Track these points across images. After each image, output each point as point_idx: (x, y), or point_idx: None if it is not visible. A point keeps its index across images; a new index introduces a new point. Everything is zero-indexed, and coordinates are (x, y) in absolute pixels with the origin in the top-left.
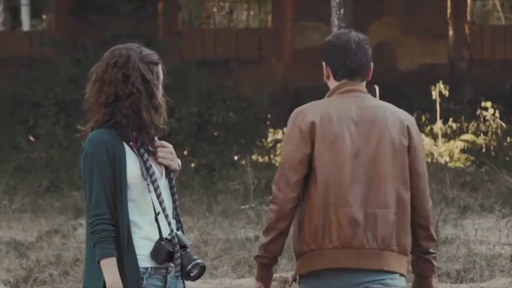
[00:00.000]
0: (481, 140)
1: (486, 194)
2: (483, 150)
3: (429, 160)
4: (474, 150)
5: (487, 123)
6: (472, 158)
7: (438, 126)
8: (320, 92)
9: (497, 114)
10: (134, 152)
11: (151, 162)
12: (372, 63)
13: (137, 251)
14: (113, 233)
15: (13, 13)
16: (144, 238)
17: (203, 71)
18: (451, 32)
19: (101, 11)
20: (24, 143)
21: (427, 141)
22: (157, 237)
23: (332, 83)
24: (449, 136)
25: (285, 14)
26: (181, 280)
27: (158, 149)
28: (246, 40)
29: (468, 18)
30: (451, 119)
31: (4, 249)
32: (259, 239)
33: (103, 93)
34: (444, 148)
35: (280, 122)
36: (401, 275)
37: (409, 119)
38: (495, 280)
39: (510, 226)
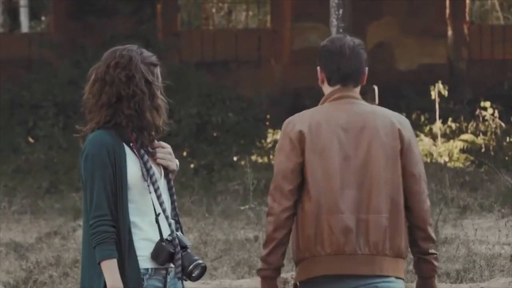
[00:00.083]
0: (480, 140)
1: (486, 194)
2: (483, 150)
3: (429, 160)
4: (473, 150)
5: (486, 123)
6: (472, 158)
7: (437, 126)
8: (319, 92)
9: (496, 114)
10: (134, 153)
11: (150, 163)
12: (366, 68)
13: (138, 252)
14: (114, 235)
15: (12, 14)
16: (145, 239)
17: (202, 72)
18: (450, 32)
19: (100, 13)
20: (23, 145)
21: (426, 141)
22: (157, 238)
23: (326, 88)
24: (448, 136)
25: (283, 15)
26: (180, 281)
27: (157, 149)
28: (245, 40)
29: (467, 18)
30: (450, 119)
31: (3, 250)
32: (258, 239)
33: (104, 93)
34: (444, 148)
35: (280, 123)
36: (398, 277)
37: (402, 122)
38: (495, 280)
39: (509, 226)
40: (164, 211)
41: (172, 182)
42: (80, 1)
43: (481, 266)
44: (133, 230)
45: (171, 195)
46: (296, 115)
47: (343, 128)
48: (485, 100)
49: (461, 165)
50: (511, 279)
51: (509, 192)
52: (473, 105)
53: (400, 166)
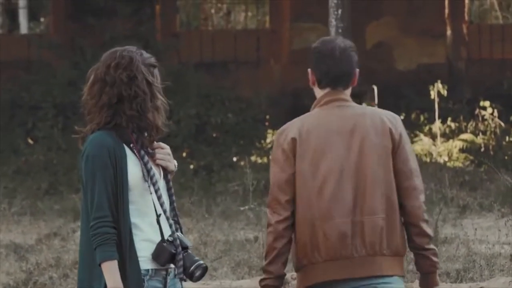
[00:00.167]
0: (479, 139)
1: (485, 193)
2: (482, 149)
3: (428, 160)
4: (473, 149)
5: (486, 123)
6: (471, 157)
7: (437, 126)
8: None
9: (495, 113)
10: (135, 154)
11: (150, 163)
12: (357, 70)
13: (139, 253)
14: (114, 236)
15: (11, 16)
16: (145, 240)
17: (201, 73)
18: (449, 32)
19: (99, 14)
20: (23, 146)
21: (425, 140)
22: (157, 238)
23: (316, 90)
24: (447, 136)
25: (282, 15)
26: (178, 281)
27: (156, 150)
28: (244, 41)
29: (466, 17)
30: (449, 118)
31: (3, 252)
32: (258, 240)
33: (104, 94)
34: (443, 148)
35: (279, 123)
36: (397, 276)
37: (392, 120)
38: (495, 280)
39: (509, 225)
40: (165, 211)
41: (171, 183)
42: (79, 2)
43: (481, 265)
44: (134, 231)
45: (170, 196)
46: (288, 123)
47: (334, 133)
48: (484, 100)
49: (460, 165)
50: (511, 278)
51: (508, 192)
52: (473, 104)
53: (392, 164)
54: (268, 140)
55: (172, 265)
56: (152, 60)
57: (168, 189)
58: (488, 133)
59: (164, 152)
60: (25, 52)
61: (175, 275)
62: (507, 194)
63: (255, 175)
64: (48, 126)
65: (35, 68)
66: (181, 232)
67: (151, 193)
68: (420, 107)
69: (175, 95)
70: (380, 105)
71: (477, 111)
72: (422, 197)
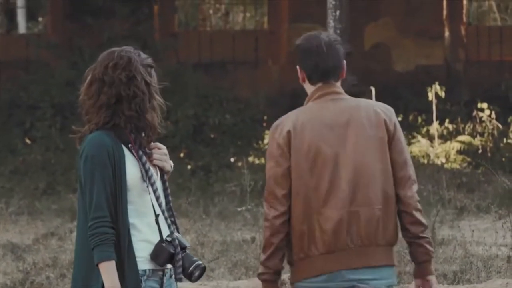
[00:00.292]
0: (477, 141)
1: (483, 195)
2: (480, 151)
3: (425, 161)
4: (470, 151)
5: (484, 124)
6: (469, 159)
7: (434, 127)
8: None
9: (493, 115)
10: (133, 154)
11: (148, 164)
12: (344, 62)
13: (137, 254)
14: (113, 236)
15: (9, 15)
16: (143, 240)
17: (199, 73)
18: (447, 33)
19: (97, 14)
20: (20, 146)
21: (423, 142)
22: (155, 239)
23: (307, 86)
24: (445, 137)
25: (281, 16)
26: (174, 281)
27: (153, 150)
28: (242, 41)
29: (464, 19)
30: (447, 120)
31: (0, 252)
32: (255, 241)
33: (103, 94)
34: (441, 149)
35: None
36: (390, 265)
37: (387, 112)
38: (492, 281)
39: (506, 227)
40: (163, 212)
41: (167, 183)
42: (77, 2)
43: (478, 267)
44: (132, 232)
45: (166, 196)
46: (282, 117)
47: (328, 126)
48: (482, 101)
49: (458, 167)
50: (508, 280)
51: (506, 193)
52: (470, 106)
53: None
54: (266, 141)
55: (169, 266)
56: (150, 60)
57: (165, 189)
58: (485, 135)
59: (161, 153)
60: (23, 52)
61: (171, 276)
62: (505, 196)
63: (253, 175)
64: (46, 126)
65: (33, 68)
66: (178, 233)
67: (149, 194)
68: (417, 108)
69: (173, 95)
70: None
71: (474, 112)
72: (415, 187)
